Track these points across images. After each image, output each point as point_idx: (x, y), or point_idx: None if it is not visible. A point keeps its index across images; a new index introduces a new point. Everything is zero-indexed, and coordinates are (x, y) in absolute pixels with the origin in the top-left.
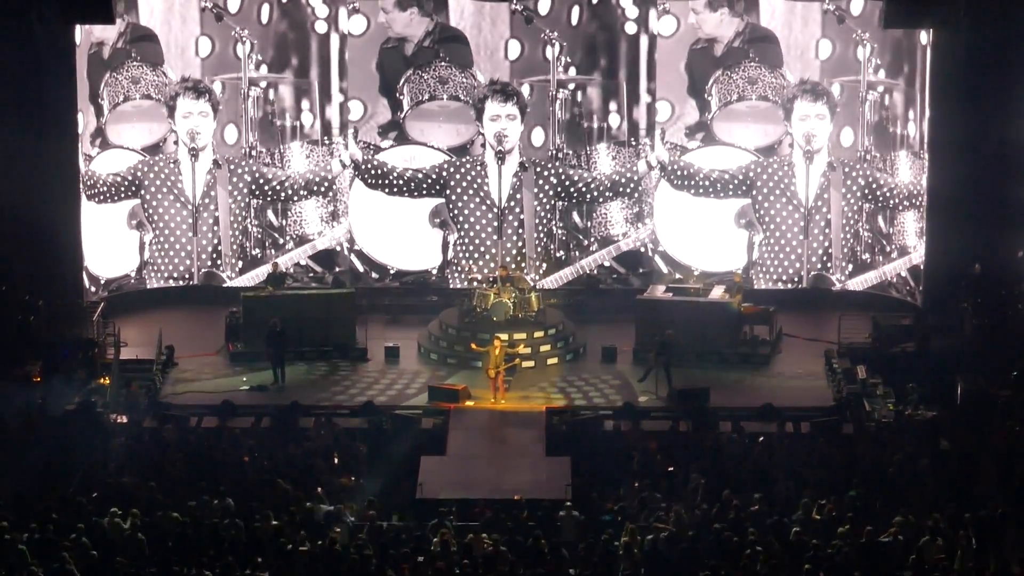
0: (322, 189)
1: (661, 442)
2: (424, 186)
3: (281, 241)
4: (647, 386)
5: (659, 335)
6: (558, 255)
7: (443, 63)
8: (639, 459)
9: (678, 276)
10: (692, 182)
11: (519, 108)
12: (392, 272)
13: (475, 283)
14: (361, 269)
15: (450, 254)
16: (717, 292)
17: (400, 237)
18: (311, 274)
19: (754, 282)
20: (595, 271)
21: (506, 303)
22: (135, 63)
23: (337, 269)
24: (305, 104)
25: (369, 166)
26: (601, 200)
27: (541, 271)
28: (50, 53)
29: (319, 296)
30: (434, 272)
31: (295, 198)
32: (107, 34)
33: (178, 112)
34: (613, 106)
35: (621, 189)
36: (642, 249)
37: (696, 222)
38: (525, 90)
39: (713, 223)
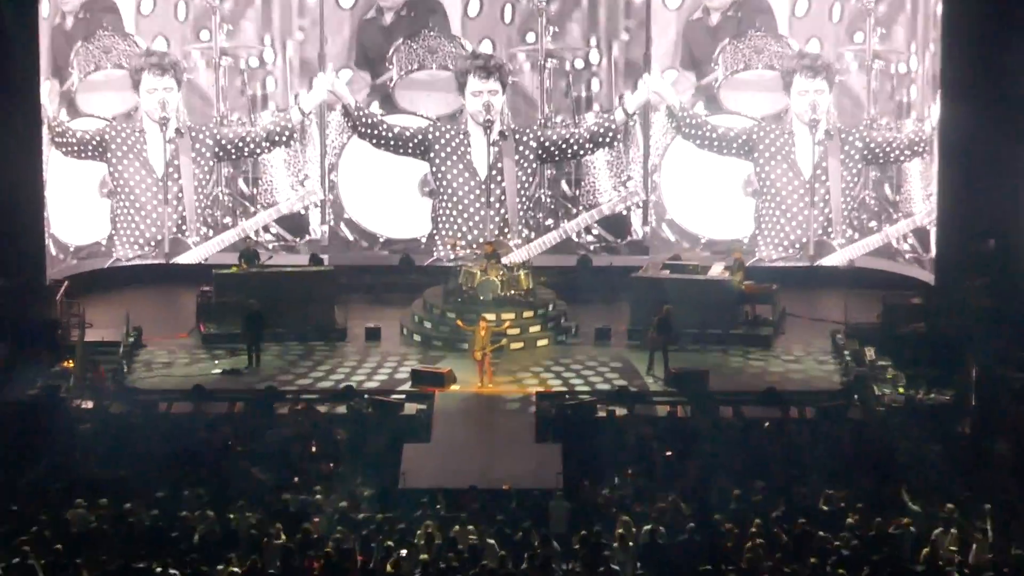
0: (283, 139)
1: (658, 428)
2: (410, 145)
3: (252, 210)
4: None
5: (657, 312)
6: (546, 224)
7: (432, 33)
8: (634, 446)
9: (685, 246)
10: (698, 133)
11: (501, 83)
12: (382, 240)
13: (459, 247)
14: (351, 238)
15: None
16: (717, 270)
17: (390, 205)
18: (282, 242)
19: (757, 252)
20: (579, 235)
21: (494, 281)
22: (107, 33)
23: (308, 237)
24: (276, 70)
25: (360, 114)
26: (583, 154)
27: (524, 238)
28: (14, 21)
29: (296, 274)
30: (423, 241)
31: (258, 151)
32: (70, 5)
33: (142, 87)
34: (603, 73)
35: (601, 139)
36: (624, 212)
37: (703, 190)
38: (521, 56)
39: (720, 191)
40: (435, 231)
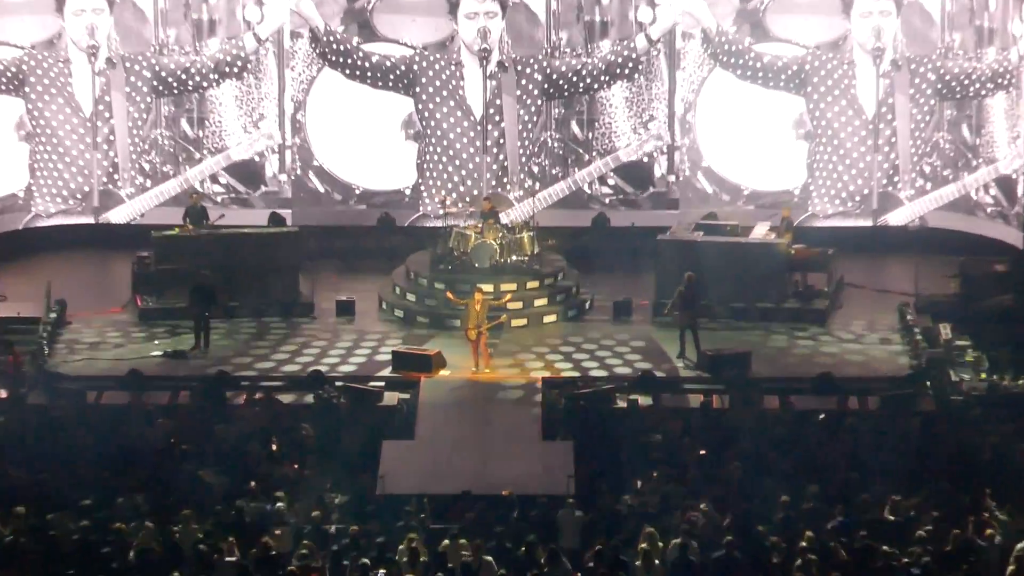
0: (235, 70)
1: (689, 422)
2: (391, 77)
3: (198, 156)
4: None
5: (681, 283)
6: (553, 173)
7: None
8: (661, 444)
9: (725, 198)
10: (740, 61)
11: (500, 3)
12: (358, 192)
13: (449, 202)
14: (321, 190)
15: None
16: (761, 230)
17: (368, 151)
18: (233, 195)
19: (810, 206)
20: (593, 187)
21: (491, 245)
22: None
23: (264, 189)
24: None
25: (331, 39)
26: (597, 88)
27: (527, 191)
28: None
29: (253, 237)
30: (407, 193)
31: (205, 85)
32: None
33: (67, 8)
34: None
35: (619, 71)
36: (646, 160)
37: (746, 132)
38: None
39: (766, 133)
40: (421, 182)
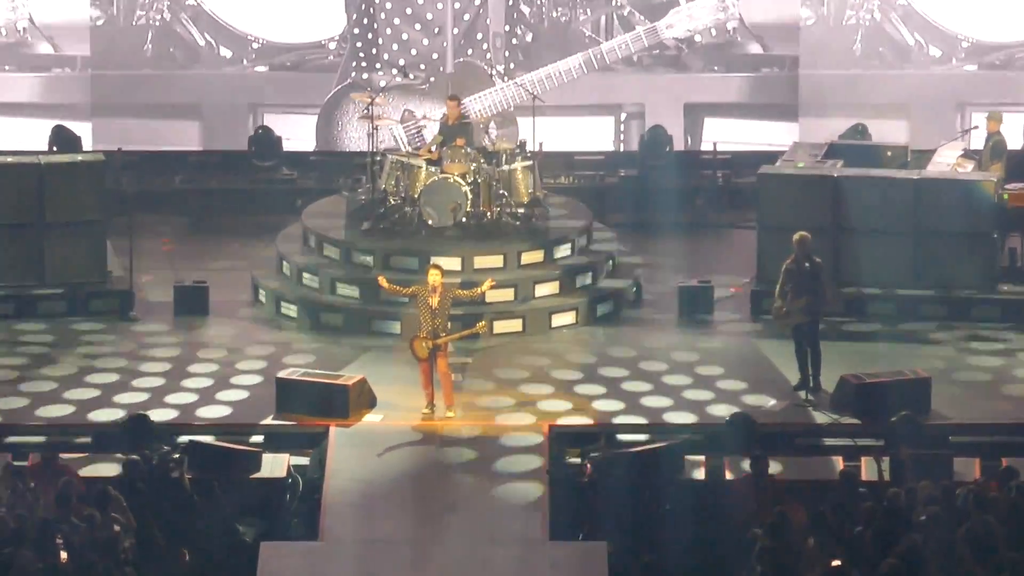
0: None
1: (819, 507)
2: None
3: None
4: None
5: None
6: (555, 14)
7: None
8: (767, 547)
9: (934, 55)
10: None
11: None
12: (256, 45)
13: (373, 109)
14: (202, 42)
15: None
16: (947, 157)
17: None
18: None
19: None
20: (628, 51)
21: (458, 184)
22: None
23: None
24: None
25: None
26: None
27: (509, 66)
28: None
29: (19, 168)
30: (329, 48)
31: None
32: None
33: None
34: None
35: None
36: (697, 37)
37: None
38: None
39: None
40: (347, 41)
